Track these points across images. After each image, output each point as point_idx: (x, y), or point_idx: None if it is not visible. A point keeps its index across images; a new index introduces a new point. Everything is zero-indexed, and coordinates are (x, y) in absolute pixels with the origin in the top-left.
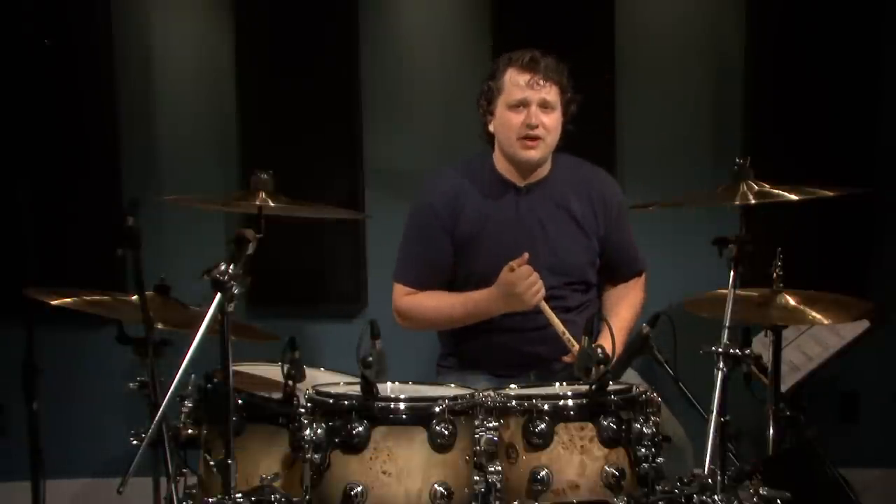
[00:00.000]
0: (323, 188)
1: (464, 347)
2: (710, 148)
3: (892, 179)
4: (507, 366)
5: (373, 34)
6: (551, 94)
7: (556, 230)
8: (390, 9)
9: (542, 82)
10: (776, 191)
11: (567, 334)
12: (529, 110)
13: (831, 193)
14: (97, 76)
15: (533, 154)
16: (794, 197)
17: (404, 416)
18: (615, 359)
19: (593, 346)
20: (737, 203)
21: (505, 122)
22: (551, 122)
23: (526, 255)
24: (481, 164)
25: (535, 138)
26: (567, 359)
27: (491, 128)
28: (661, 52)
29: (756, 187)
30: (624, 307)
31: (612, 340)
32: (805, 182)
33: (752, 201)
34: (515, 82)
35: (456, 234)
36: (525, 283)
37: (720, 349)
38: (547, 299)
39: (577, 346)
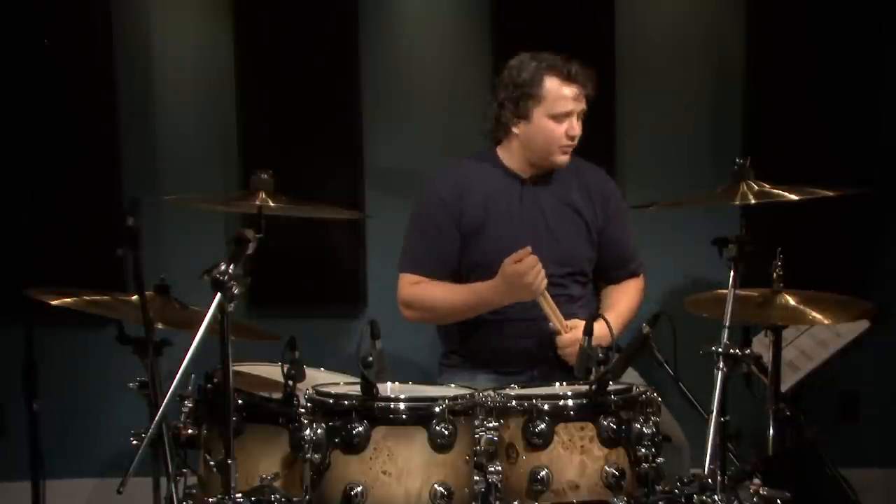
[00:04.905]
0: (323, 188)
1: (465, 343)
2: (710, 148)
3: (892, 179)
4: (509, 362)
5: (373, 34)
6: (586, 103)
7: (558, 221)
8: (390, 9)
9: (583, 94)
10: (776, 191)
11: (558, 322)
12: (571, 121)
13: (831, 193)
14: (97, 76)
15: (567, 159)
16: (794, 197)
17: (404, 416)
18: (615, 359)
19: (594, 346)
20: (737, 203)
21: (546, 130)
22: (581, 128)
23: (528, 249)
24: (486, 159)
25: (572, 146)
26: (559, 341)
27: (516, 130)
28: (661, 52)
29: (756, 187)
30: (623, 300)
31: (609, 328)
32: (805, 182)
33: (752, 201)
34: (562, 94)
35: (462, 225)
36: (532, 272)
37: (720, 349)
38: (548, 288)
39: (562, 332)
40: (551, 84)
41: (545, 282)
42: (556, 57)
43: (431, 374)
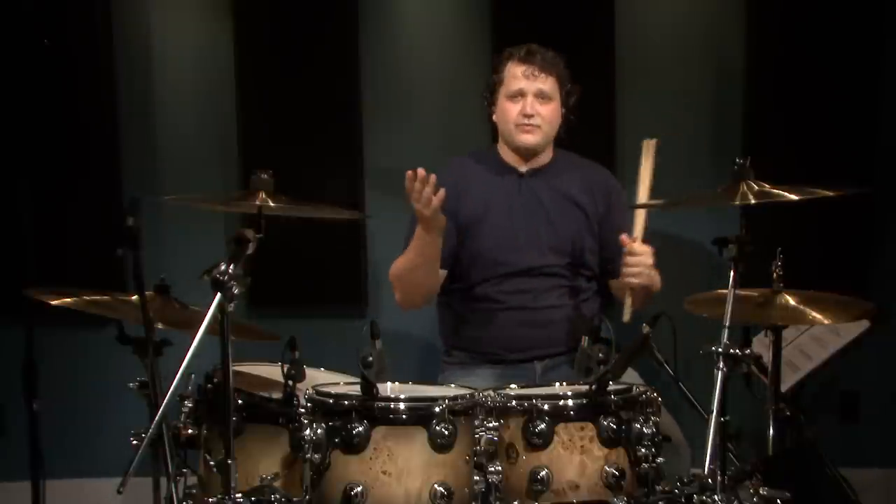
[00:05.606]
0: (323, 188)
1: (465, 337)
2: (710, 148)
3: (892, 179)
4: (509, 351)
5: (373, 34)
6: (548, 84)
7: (557, 212)
8: (390, 9)
9: (538, 73)
10: (776, 191)
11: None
12: (526, 100)
13: (831, 193)
14: (97, 76)
15: (529, 139)
16: (794, 197)
17: (404, 416)
18: (615, 359)
19: (594, 345)
20: (737, 203)
21: (504, 111)
22: (548, 112)
23: (413, 171)
24: (485, 155)
25: (532, 125)
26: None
27: (495, 118)
28: (661, 52)
29: (756, 187)
30: None
31: None
32: (805, 182)
33: (752, 201)
34: (514, 74)
35: (460, 217)
36: (419, 194)
37: (720, 349)
38: (549, 280)
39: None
40: (508, 66)
41: (433, 202)
42: (523, 45)
43: (431, 374)
